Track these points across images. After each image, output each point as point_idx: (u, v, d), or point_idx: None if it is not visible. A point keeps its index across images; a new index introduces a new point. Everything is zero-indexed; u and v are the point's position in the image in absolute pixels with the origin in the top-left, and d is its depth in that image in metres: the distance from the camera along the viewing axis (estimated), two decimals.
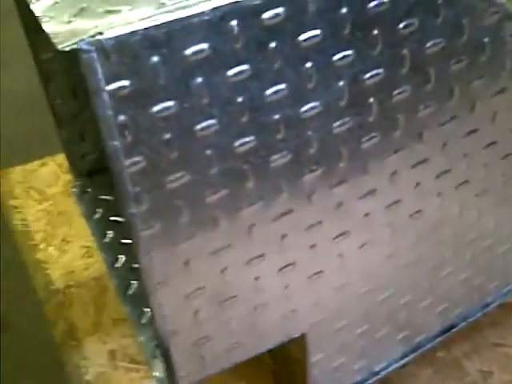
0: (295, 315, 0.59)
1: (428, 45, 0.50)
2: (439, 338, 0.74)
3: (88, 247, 0.88)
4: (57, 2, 0.44)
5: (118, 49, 0.39)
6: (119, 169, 0.43)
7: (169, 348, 0.54)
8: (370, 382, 0.71)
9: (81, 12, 0.42)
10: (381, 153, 0.54)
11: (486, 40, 0.53)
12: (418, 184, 0.58)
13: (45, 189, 0.97)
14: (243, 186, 0.49)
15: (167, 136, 0.44)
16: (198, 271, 0.51)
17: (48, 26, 0.42)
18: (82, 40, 0.38)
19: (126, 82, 0.41)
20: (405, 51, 0.49)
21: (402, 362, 0.72)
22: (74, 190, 0.76)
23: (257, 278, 0.55)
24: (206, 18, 0.41)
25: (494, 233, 0.70)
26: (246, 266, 0.53)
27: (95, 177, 0.77)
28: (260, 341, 0.59)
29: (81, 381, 0.73)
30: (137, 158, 0.44)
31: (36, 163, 1.01)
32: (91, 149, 0.76)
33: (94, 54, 0.39)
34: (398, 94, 0.51)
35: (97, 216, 0.74)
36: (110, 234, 0.72)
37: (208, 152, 0.46)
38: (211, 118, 0.45)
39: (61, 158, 1.00)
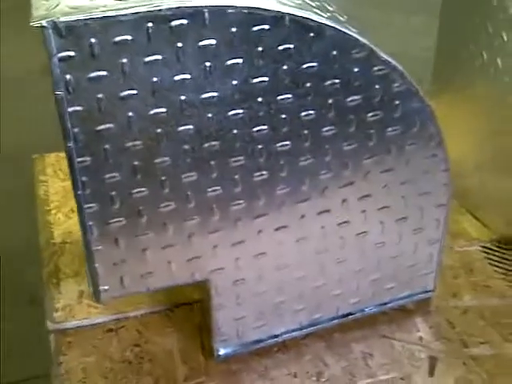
0: (198, 261, 0.77)
1: (304, 66, 0.69)
2: (336, 321, 0.89)
3: None
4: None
5: (67, 30, 0.61)
6: (63, 112, 0.64)
7: (94, 264, 0.74)
8: (269, 342, 0.87)
9: (55, 7, 0.64)
10: (270, 142, 0.73)
11: (355, 70, 0.72)
12: (325, 188, 0.76)
13: None
14: (157, 144, 0.69)
15: (99, 95, 0.65)
16: (118, 204, 0.71)
17: (35, 14, 0.64)
18: (44, 21, 0.60)
19: (72, 53, 0.62)
20: (284, 67, 0.69)
21: (300, 332, 0.88)
22: None
23: (165, 224, 0.73)
24: (130, 18, 0.62)
25: (400, 248, 0.87)
26: (156, 210, 0.72)
27: None
28: (170, 275, 0.77)
29: (51, 308, 0.94)
30: (76, 108, 0.65)
31: None
32: None
33: (50, 31, 0.61)
34: (282, 98, 0.70)
35: None
36: None
37: (130, 113, 0.66)
38: (132, 89, 0.65)
39: None
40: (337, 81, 0.72)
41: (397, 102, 0.75)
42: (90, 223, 0.71)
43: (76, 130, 0.66)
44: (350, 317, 0.90)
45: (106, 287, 0.76)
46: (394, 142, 0.78)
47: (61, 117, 0.65)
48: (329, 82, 0.71)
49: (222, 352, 0.85)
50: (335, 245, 0.83)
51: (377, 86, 0.73)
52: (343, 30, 0.69)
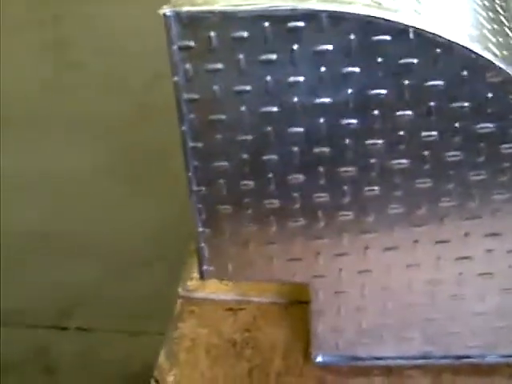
0: (299, 263, 0.76)
1: (428, 84, 0.64)
2: (448, 360, 0.83)
3: None
4: None
5: (188, 20, 0.64)
6: (179, 98, 0.68)
7: (200, 244, 0.77)
8: (370, 363, 0.84)
9: None
10: (384, 157, 0.69)
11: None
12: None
13: None
14: (266, 142, 0.69)
15: (215, 87, 0.67)
16: (225, 192, 0.73)
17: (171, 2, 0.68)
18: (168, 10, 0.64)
19: (191, 43, 0.65)
20: (406, 82, 0.65)
21: (406, 361, 0.83)
22: None
23: (268, 220, 0.74)
24: (247, 14, 0.63)
25: None
26: (261, 205, 0.73)
27: None
28: (270, 271, 0.78)
29: (187, 276, 1.00)
30: (192, 95, 0.68)
31: None
32: None
33: (173, 20, 0.64)
34: (401, 114, 0.66)
35: None
36: None
37: (242, 108, 0.68)
38: (246, 85, 0.67)
39: None
40: (466, 104, 0.65)
41: None
42: (199, 205, 0.75)
43: (191, 116, 0.69)
44: (465, 360, 0.83)
45: (211, 268, 0.79)
46: None
47: (177, 102, 0.69)
48: (456, 104, 0.66)
49: (318, 359, 0.84)
50: (451, 279, 0.76)
51: None
52: (476, 50, 0.63)
